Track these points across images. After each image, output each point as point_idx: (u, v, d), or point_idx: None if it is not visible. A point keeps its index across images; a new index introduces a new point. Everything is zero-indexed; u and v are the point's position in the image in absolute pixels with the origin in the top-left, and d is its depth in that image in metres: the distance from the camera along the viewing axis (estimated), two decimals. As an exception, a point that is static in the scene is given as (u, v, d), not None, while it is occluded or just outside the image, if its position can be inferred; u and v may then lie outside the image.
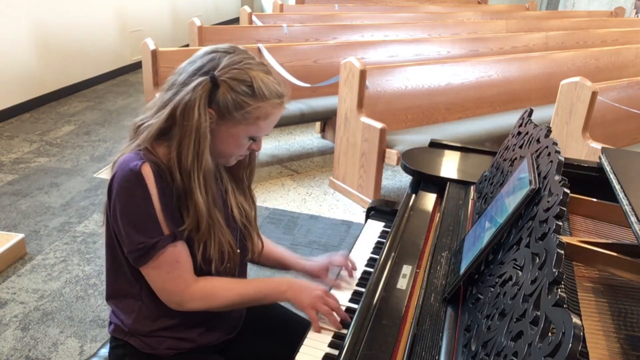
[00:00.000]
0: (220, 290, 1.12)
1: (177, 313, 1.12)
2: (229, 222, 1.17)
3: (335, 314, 1.10)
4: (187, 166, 1.03)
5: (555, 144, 1.02)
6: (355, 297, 1.19)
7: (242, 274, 1.26)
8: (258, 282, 1.18)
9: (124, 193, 1.02)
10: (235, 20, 9.33)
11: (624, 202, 1.02)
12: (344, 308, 1.15)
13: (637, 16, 8.50)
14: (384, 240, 1.32)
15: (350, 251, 1.39)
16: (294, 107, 3.64)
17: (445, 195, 1.40)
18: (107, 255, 1.14)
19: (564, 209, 0.80)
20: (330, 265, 1.30)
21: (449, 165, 1.61)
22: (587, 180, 1.38)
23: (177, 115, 1.03)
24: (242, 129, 1.06)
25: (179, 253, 1.07)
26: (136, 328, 1.14)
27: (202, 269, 1.11)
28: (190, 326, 1.16)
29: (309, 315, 1.10)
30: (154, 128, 1.05)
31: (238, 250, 1.19)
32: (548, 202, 0.85)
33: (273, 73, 1.10)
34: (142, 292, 1.12)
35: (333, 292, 1.21)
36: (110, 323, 1.20)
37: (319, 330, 1.08)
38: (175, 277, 1.07)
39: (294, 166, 3.87)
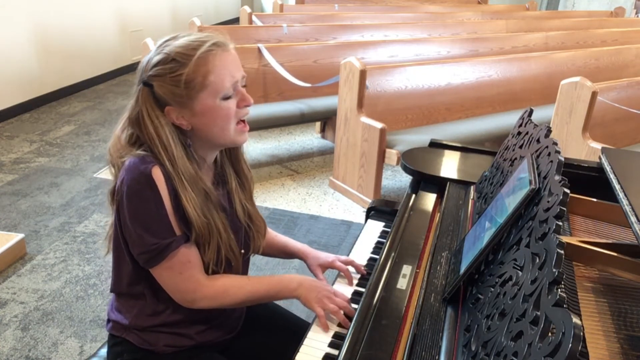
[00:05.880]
0: (232, 289, 1.12)
1: (179, 310, 1.12)
2: (234, 222, 1.16)
3: (342, 312, 1.10)
4: (170, 173, 1.02)
5: (555, 144, 1.02)
6: (355, 297, 1.19)
7: (245, 270, 1.26)
8: (269, 280, 1.18)
9: (135, 196, 1.01)
10: (235, 20, 9.34)
11: (624, 202, 1.02)
12: None
13: (637, 16, 8.50)
14: (384, 240, 1.32)
15: (350, 252, 1.39)
16: (294, 107, 3.64)
17: (445, 195, 1.40)
18: (113, 253, 1.14)
19: (564, 209, 0.80)
20: (330, 267, 1.30)
21: (449, 165, 1.61)
22: (587, 180, 1.38)
23: (137, 132, 1.05)
24: (203, 98, 1.02)
25: (190, 253, 1.07)
26: (136, 323, 1.14)
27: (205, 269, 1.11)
28: (191, 323, 1.16)
29: (317, 313, 1.10)
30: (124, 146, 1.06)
31: (242, 251, 1.19)
32: (548, 202, 0.85)
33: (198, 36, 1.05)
34: (145, 290, 1.12)
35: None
36: (109, 321, 1.20)
37: (326, 327, 1.09)
38: (187, 277, 1.07)
39: (294, 166, 3.87)
